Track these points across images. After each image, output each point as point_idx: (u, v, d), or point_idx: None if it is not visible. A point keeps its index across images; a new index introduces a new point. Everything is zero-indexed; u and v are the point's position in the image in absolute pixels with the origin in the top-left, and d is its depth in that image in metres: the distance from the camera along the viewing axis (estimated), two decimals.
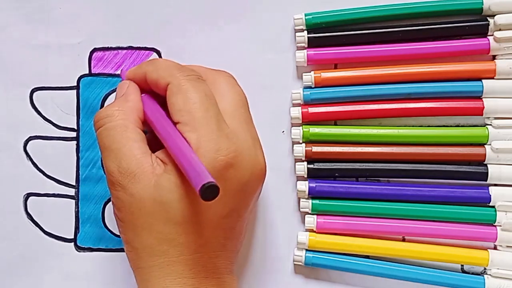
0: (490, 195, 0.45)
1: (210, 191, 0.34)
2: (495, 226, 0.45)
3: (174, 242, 0.38)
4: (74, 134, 0.48)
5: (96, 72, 0.48)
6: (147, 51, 0.48)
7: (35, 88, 0.48)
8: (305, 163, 0.46)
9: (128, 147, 0.39)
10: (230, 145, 0.38)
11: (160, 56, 0.47)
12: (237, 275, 0.45)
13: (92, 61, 0.48)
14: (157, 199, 0.38)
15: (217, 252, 0.39)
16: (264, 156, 0.41)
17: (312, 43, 0.46)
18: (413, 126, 0.46)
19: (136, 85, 0.43)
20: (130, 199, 0.38)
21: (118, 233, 0.47)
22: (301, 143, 0.46)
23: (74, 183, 0.48)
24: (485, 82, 0.45)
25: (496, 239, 0.45)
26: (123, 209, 0.39)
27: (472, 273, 0.46)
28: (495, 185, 0.45)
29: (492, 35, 0.45)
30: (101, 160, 0.48)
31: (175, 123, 0.39)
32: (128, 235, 0.40)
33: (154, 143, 0.41)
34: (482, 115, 0.45)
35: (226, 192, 0.38)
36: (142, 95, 0.42)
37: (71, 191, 0.48)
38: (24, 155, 0.48)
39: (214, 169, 0.37)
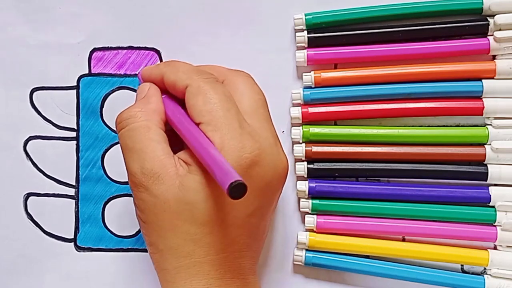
0: (490, 195, 0.45)
1: (238, 190, 0.34)
2: (495, 226, 0.45)
3: (200, 242, 0.38)
4: (74, 134, 0.48)
5: (96, 72, 0.48)
6: (147, 51, 0.48)
7: (35, 88, 0.48)
8: (305, 163, 0.46)
9: (151, 148, 0.39)
10: (254, 143, 0.38)
11: (160, 56, 0.47)
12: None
13: (92, 61, 0.48)
14: (182, 200, 0.38)
15: (242, 252, 0.39)
16: (285, 154, 0.41)
17: (312, 43, 0.46)
18: (413, 126, 0.46)
19: (157, 87, 0.42)
20: (154, 200, 0.38)
21: (118, 233, 0.47)
22: (301, 143, 0.46)
23: (74, 183, 0.48)
24: (485, 82, 0.45)
25: (496, 239, 0.45)
26: (147, 211, 0.39)
27: (472, 273, 0.46)
28: (495, 185, 0.45)
29: (492, 35, 0.45)
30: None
31: (196, 124, 0.39)
32: (152, 237, 0.39)
33: (174, 144, 0.40)
34: (482, 115, 0.45)
35: (251, 191, 0.38)
36: (163, 96, 0.42)
37: (71, 191, 0.48)
38: (24, 155, 0.48)
39: (240, 167, 0.37)
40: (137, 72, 0.47)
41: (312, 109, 0.46)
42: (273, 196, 0.41)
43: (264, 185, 0.39)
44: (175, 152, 0.40)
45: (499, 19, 0.44)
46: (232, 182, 0.33)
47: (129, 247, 0.48)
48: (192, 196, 0.38)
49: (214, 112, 0.38)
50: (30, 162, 0.48)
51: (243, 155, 0.38)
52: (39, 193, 0.48)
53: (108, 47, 0.48)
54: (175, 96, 0.42)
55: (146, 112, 0.40)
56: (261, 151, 0.38)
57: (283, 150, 0.41)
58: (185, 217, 0.38)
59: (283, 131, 0.47)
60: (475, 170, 0.45)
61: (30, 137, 0.48)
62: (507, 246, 0.45)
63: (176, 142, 0.41)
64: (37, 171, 0.48)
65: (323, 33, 0.46)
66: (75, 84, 0.48)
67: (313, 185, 0.46)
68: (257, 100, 0.41)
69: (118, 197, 0.48)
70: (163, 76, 0.41)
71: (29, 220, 0.48)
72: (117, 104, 0.47)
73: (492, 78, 0.45)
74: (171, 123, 0.41)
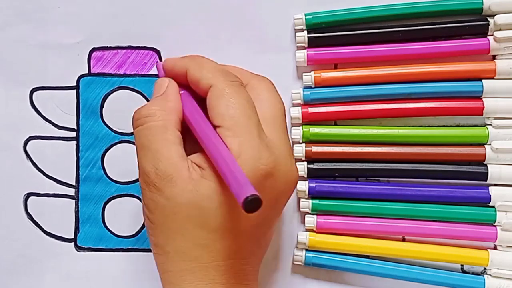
0: (490, 195, 0.45)
1: (253, 204, 0.33)
2: (495, 226, 0.45)
3: (209, 248, 0.38)
4: (74, 134, 0.48)
5: (96, 72, 0.48)
6: (147, 51, 0.48)
7: (34, 88, 0.48)
8: (305, 163, 0.46)
9: (167, 149, 0.38)
10: (270, 154, 0.38)
11: (159, 56, 0.47)
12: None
13: (91, 61, 0.48)
14: (194, 205, 0.37)
15: (248, 259, 0.39)
16: (296, 165, 0.41)
17: (312, 43, 0.46)
18: (413, 126, 0.46)
19: (176, 83, 0.42)
20: (165, 202, 0.38)
21: (118, 233, 0.47)
22: (301, 143, 0.46)
23: (74, 183, 0.48)
24: (485, 82, 0.45)
25: (496, 239, 0.45)
26: (156, 212, 0.38)
27: (472, 273, 0.46)
28: (495, 185, 0.45)
29: (492, 35, 0.45)
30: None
31: (215, 127, 0.38)
32: (159, 238, 0.39)
33: (186, 144, 0.40)
34: (482, 115, 0.45)
35: (263, 202, 0.38)
36: (181, 92, 0.42)
37: (71, 191, 0.48)
38: (24, 155, 0.48)
39: (255, 178, 0.37)
40: (156, 63, 0.47)
41: (312, 109, 0.46)
42: (282, 206, 0.41)
43: (275, 196, 0.39)
44: (186, 152, 0.39)
45: (499, 19, 0.44)
46: (248, 196, 0.33)
47: (129, 247, 0.48)
48: (205, 202, 0.37)
49: (235, 118, 0.38)
50: (30, 162, 0.48)
51: (260, 166, 0.37)
52: (39, 193, 0.48)
53: (107, 46, 0.48)
54: (193, 92, 0.41)
55: (164, 111, 0.40)
56: (276, 163, 0.38)
57: (294, 160, 0.41)
58: (196, 222, 0.38)
59: None
60: (475, 170, 0.45)
61: (30, 137, 0.48)
62: (507, 246, 0.45)
63: (188, 142, 0.40)
64: (37, 171, 0.48)
65: (323, 33, 0.46)
66: (75, 84, 0.48)
67: (313, 185, 0.46)
68: (278, 109, 0.41)
69: (118, 197, 0.48)
70: (186, 71, 0.41)
71: (29, 220, 0.48)
72: (117, 104, 0.47)
73: (492, 78, 0.45)
74: (187, 123, 0.40)
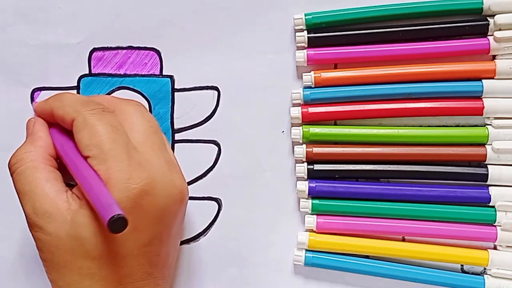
0: (490, 195, 0.45)
1: (117, 224, 0.34)
2: (495, 226, 0.45)
3: (97, 276, 0.38)
4: None
5: (96, 72, 0.48)
6: (147, 51, 0.48)
7: (36, 88, 0.48)
8: (305, 164, 0.46)
9: (40, 187, 0.40)
10: (143, 172, 0.38)
11: (160, 56, 0.47)
12: (235, 277, 0.45)
13: (92, 61, 0.48)
14: (73, 235, 0.38)
15: (143, 281, 0.39)
16: (183, 179, 0.41)
17: (312, 43, 0.46)
18: (413, 126, 0.46)
19: (43, 120, 0.43)
20: (48, 238, 0.39)
21: None
22: (301, 144, 0.46)
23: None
24: (485, 82, 0.45)
25: (496, 239, 0.45)
26: (44, 249, 0.39)
27: (472, 273, 0.46)
28: (495, 185, 0.45)
29: (492, 35, 0.45)
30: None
31: (85, 158, 0.39)
32: (52, 275, 0.40)
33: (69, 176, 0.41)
34: (482, 115, 0.45)
35: (144, 220, 0.38)
36: (51, 129, 0.43)
37: None
38: None
39: (128, 198, 0.37)
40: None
41: (312, 109, 0.46)
42: (171, 222, 0.41)
43: (158, 213, 0.39)
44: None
45: (499, 19, 0.44)
46: (111, 216, 0.34)
47: None
48: (82, 231, 0.38)
49: (100, 145, 0.38)
50: None
51: (131, 186, 0.38)
52: None
53: (108, 47, 0.48)
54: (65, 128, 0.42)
55: (32, 152, 0.41)
56: (150, 179, 0.38)
57: (180, 175, 0.41)
58: (78, 253, 0.38)
59: (283, 131, 0.47)
60: (475, 171, 0.45)
61: None
62: (507, 246, 0.45)
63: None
64: None
65: (323, 33, 0.46)
66: (76, 84, 0.48)
67: (313, 185, 0.46)
68: (148, 127, 0.41)
69: None
70: (52, 111, 0.42)
71: None
72: None
73: (492, 78, 0.45)
74: (60, 157, 0.41)
